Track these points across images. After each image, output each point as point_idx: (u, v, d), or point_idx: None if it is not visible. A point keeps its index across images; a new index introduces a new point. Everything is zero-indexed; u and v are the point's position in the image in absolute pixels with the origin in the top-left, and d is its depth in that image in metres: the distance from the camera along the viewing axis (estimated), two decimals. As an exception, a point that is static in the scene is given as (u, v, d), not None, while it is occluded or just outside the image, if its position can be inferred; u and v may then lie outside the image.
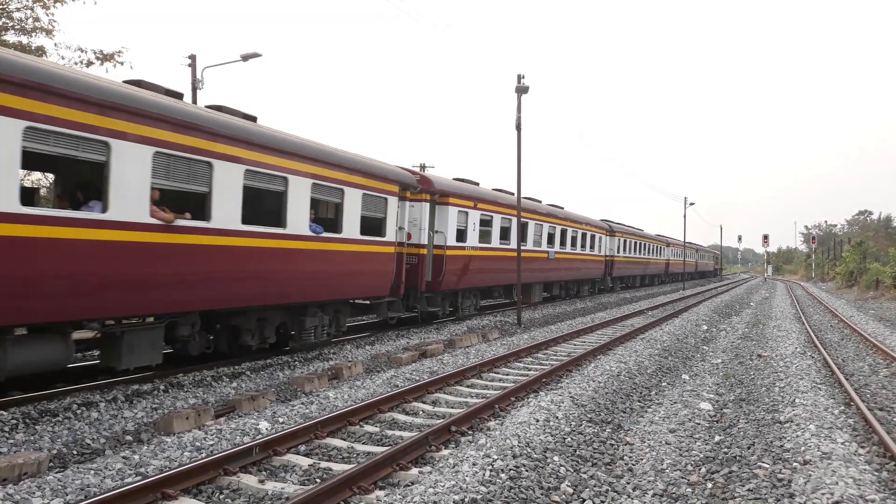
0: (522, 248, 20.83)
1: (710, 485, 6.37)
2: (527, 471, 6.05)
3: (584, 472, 6.48)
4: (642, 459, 7.13)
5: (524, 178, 25.18)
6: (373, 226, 13.94)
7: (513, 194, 20.99)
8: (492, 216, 20.19)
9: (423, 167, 17.43)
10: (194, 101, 23.05)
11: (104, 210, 8.21)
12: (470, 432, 7.71)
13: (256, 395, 9.01)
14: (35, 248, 7.36)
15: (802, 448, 6.96)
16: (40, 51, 19.16)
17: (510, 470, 5.94)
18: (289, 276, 11.51)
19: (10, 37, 19.01)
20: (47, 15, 19.21)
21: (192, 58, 24.11)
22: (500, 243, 20.89)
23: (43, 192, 15.23)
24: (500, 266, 21.04)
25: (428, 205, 16.93)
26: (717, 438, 7.97)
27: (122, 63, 20.33)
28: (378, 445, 7.28)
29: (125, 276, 8.49)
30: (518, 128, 19.72)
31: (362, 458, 6.72)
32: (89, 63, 19.75)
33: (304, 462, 6.53)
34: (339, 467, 6.38)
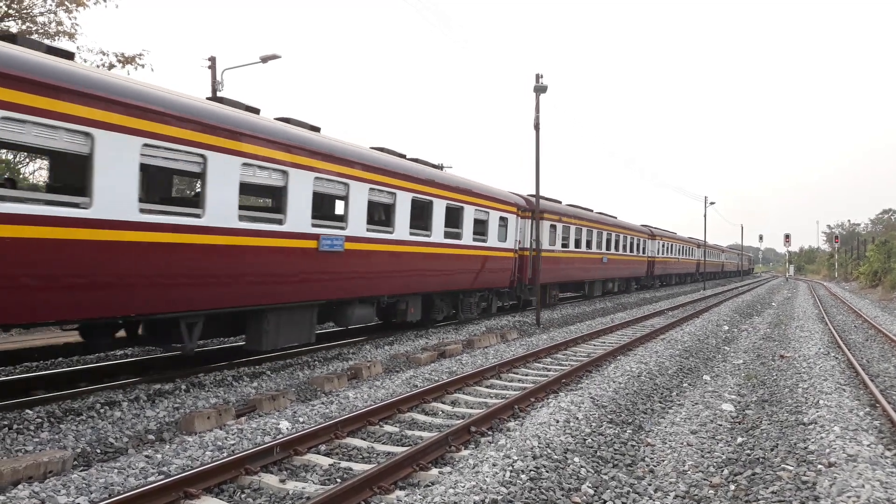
0: (676, 257, 45.58)
1: (732, 487, 6.30)
2: (547, 472, 6.02)
3: (605, 474, 6.44)
4: (664, 461, 7.06)
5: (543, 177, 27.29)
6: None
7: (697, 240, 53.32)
8: (676, 244, 42.59)
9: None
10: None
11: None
12: (490, 433, 7.69)
13: (277, 394, 9.06)
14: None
15: (827, 450, 6.85)
16: (63, 54, 19.39)
17: (530, 471, 5.92)
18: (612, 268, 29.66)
19: (34, 41, 19.27)
20: (70, 18, 19.48)
21: (212, 60, 24.28)
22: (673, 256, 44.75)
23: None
24: (678, 266, 47.85)
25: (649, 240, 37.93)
26: (739, 440, 7.87)
27: (143, 66, 20.55)
28: (398, 445, 7.28)
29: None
30: (536, 128, 19.65)
31: (382, 458, 6.74)
32: (111, 66, 19.98)
33: (325, 462, 6.56)
34: (359, 467, 6.40)
